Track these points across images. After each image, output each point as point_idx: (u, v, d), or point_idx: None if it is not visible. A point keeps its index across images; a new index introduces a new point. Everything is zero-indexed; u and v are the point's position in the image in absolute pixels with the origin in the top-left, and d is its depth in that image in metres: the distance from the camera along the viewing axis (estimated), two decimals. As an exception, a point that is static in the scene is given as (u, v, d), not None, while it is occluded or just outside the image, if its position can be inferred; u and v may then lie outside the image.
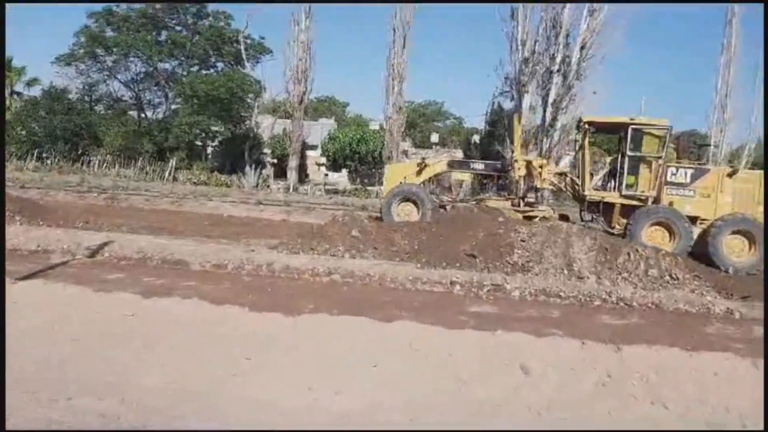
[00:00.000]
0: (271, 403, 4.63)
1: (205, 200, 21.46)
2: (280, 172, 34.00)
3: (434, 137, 48.63)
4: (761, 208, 12.25)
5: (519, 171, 14.10)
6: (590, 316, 7.36)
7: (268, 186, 30.12)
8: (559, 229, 10.46)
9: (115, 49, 37.35)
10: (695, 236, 12.43)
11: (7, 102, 38.19)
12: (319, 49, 34.76)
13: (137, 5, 37.51)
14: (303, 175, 35.95)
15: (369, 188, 30.74)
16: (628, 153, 13.01)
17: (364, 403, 4.68)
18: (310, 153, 41.20)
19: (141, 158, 34.05)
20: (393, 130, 30.12)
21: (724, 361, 5.33)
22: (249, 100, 36.09)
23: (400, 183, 14.51)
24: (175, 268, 8.92)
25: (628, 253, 9.73)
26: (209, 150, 40.74)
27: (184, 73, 39.41)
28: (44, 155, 33.72)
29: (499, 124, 30.16)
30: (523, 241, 10.16)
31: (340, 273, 8.81)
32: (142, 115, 41.61)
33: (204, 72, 39.47)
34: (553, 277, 9.26)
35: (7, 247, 9.44)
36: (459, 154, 36.05)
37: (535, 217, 13.39)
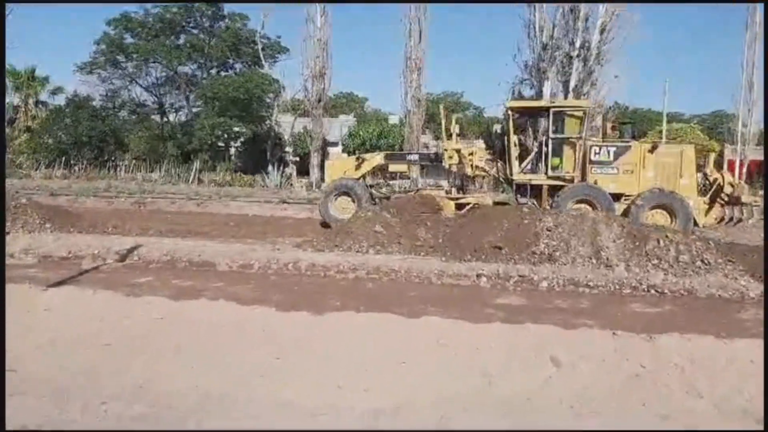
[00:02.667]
0: (299, 402, 4.63)
1: (229, 201, 21.63)
2: (303, 170, 34.11)
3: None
4: (684, 181, 12.61)
5: (450, 160, 14.32)
6: (621, 305, 7.24)
7: (291, 184, 30.20)
8: (585, 217, 10.30)
9: (135, 56, 37.74)
10: (618, 211, 12.58)
11: (33, 111, 38.92)
12: (336, 45, 34.70)
13: (154, 10, 37.82)
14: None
15: (391, 182, 30.67)
16: (551, 135, 13.27)
17: (393, 400, 4.66)
18: (331, 150, 41.21)
19: (166, 161, 34.46)
20: (412, 123, 29.95)
21: (760, 348, 5.17)
22: (268, 100, 36.20)
23: (340, 178, 14.64)
24: (202, 269, 9.01)
25: (658, 239, 9.52)
26: (232, 151, 41.02)
27: (204, 75, 39.72)
28: (71, 162, 34.36)
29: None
30: (549, 230, 10.01)
31: (365, 269, 8.80)
32: (165, 119, 42.10)
33: (223, 73, 39.67)
34: (581, 266, 9.11)
35: (40, 254, 9.66)
36: (480, 144, 35.73)
37: (468, 204, 13.53)
